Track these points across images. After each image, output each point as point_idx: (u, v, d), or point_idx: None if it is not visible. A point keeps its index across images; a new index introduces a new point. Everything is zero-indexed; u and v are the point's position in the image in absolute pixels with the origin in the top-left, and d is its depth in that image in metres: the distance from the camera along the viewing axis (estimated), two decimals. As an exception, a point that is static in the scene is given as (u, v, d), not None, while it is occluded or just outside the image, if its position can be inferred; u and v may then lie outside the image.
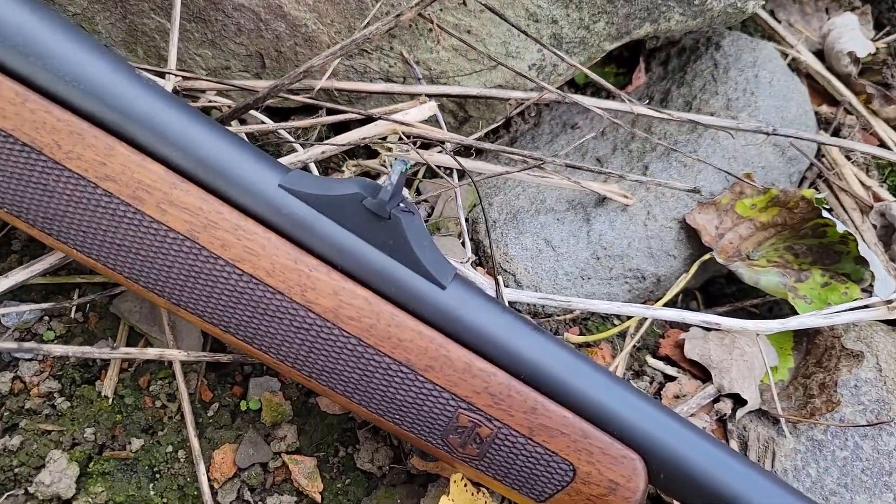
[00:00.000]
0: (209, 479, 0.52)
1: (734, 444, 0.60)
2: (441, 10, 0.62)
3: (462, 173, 0.61)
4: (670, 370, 0.64)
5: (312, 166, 0.60)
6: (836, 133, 0.81)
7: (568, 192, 0.69)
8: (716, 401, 0.62)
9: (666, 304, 0.66)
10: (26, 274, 0.51)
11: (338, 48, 0.53)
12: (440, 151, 0.62)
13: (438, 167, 0.61)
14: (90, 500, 0.48)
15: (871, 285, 0.66)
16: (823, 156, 0.78)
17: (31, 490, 0.48)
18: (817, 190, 0.77)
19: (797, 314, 0.63)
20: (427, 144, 0.63)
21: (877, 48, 0.88)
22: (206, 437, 0.53)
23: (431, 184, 0.67)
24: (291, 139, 0.60)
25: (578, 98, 0.63)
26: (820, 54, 0.89)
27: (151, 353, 0.52)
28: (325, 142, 0.58)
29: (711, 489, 0.44)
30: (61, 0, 0.60)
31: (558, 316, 0.65)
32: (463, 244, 0.61)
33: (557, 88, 0.68)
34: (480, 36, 0.64)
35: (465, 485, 0.49)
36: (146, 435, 0.52)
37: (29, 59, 0.42)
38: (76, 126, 0.42)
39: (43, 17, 0.43)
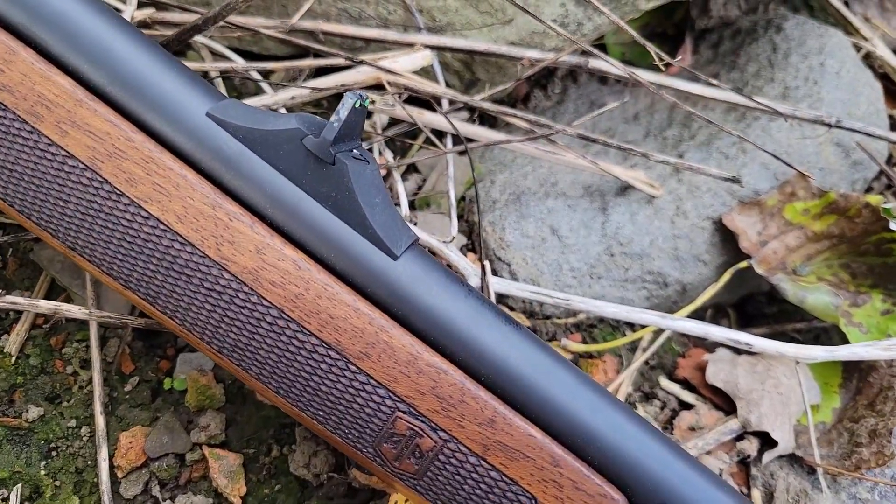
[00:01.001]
0: (112, 466, 0.43)
1: (757, 495, 0.49)
2: (452, -51, 0.53)
3: (456, 139, 0.52)
4: (687, 396, 0.53)
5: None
6: (911, 139, 0.69)
7: (586, 177, 0.59)
8: (739, 438, 0.51)
9: (689, 316, 0.56)
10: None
11: None
12: (442, 112, 0.53)
13: (428, 130, 0.51)
14: (-41, 474, 0.40)
15: (944, 318, 0.54)
16: (896, 164, 0.66)
17: None
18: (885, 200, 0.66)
19: (848, 343, 0.52)
20: (427, 106, 0.54)
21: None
22: (118, 415, 0.45)
23: (427, 151, 0.58)
24: (259, 78, 0.52)
25: (606, 62, 0.53)
26: (900, 52, 0.77)
27: (64, 308, 0.44)
28: (297, 84, 0.49)
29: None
30: None
31: (559, 319, 0.55)
32: (450, 221, 0.51)
33: (581, 53, 0.58)
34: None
35: (410, 508, 0.40)
36: (48, 404, 0.44)
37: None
38: (-35, 19, 0.35)
39: None
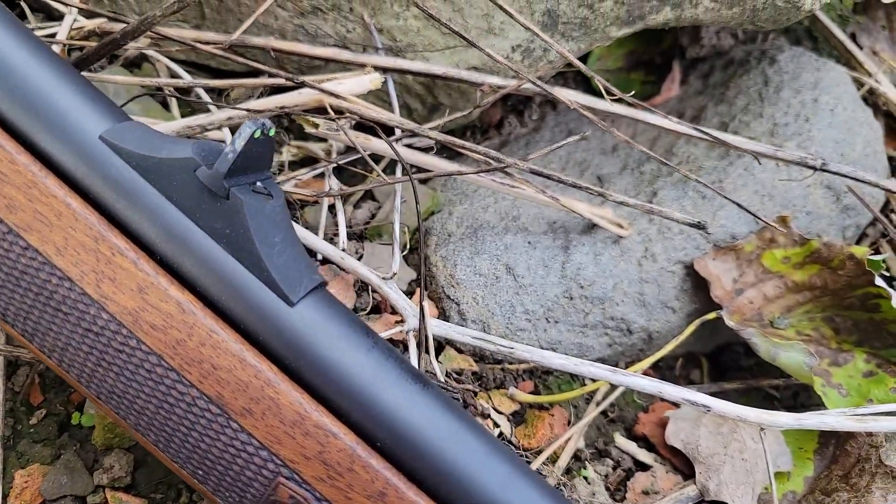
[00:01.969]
0: (5, 507, 0.40)
1: (711, 572, 0.45)
2: (413, -33, 0.50)
3: (407, 169, 0.49)
4: (644, 456, 0.49)
5: (226, 134, 0.49)
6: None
7: (551, 213, 0.55)
8: (696, 507, 0.46)
9: (651, 368, 0.52)
10: None
11: None
12: (399, 139, 0.50)
13: (369, 155, 0.48)
14: None
15: (933, 385, 0.49)
16: (893, 210, 0.62)
17: None
18: (879, 252, 0.61)
19: (824, 407, 0.47)
20: (389, 132, 0.51)
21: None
22: (18, 450, 0.42)
23: (375, 180, 0.55)
24: (206, 97, 0.49)
25: (563, 92, 0.50)
26: (907, 89, 0.72)
27: (-36, 335, 0.41)
28: (231, 105, 0.46)
29: None
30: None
31: (510, 364, 0.51)
32: (393, 255, 0.48)
33: (550, 79, 0.54)
34: (458, 4, 0.51)
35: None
36: (-57, 436, 0.42)
37: None
38: None
39: None
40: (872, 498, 0.44)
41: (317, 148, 0.56)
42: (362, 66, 0.51)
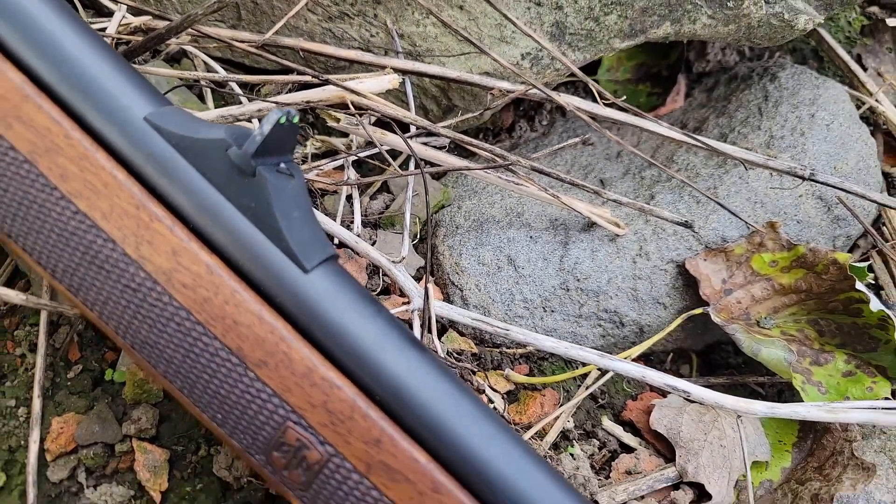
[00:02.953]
0: (42, 449, 0.45)
1: (685, 548, 0.48)
2: (433, -23, 0.54)
3: (418, 162, 0.53)
4: (629, 439, 0.52)
5: (255, 123, 0.54)
6: (906, 199, 0.66)
7: (553, 210, 0.59)
8: (675, 487, 0.49)
9: (644, 362, 0.55)
10: None
11: None
12: (414, 135, 0.54)
13: (386, 150, 0.52)
14: None
15: (909, 386, 0.52)
16: (884, 223, 0.64)
17: None
18: (870, 262, 0.64)
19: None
20: (405, 129, 0.55)
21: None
22: (56, 400, 0.47)
23: (387, 172, 0.59)
24: (238, 91, 0.53)
25: (564, 97, 0.53)
26: (908, 109, 0.75)
27: (8, 295, 0.46)
28: (261, 98, 0.51)
29: None
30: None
31: (508, 348, 0.55)
32: (403, 241, 0.52)
33: (559, 86, 0.58)
34: (474, 14, 0.55)
35: (314, 520, 0.40)
36: (-8, 383, 0.46)
37: None
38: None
39: None
40: (842, 486, 0.47)
41: (338, 142, 0.60)
42: (383, 67, 0.55)
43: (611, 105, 0.51)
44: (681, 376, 0.59)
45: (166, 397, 0.48)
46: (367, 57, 0.56)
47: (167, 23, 0.52)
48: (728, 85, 0.70)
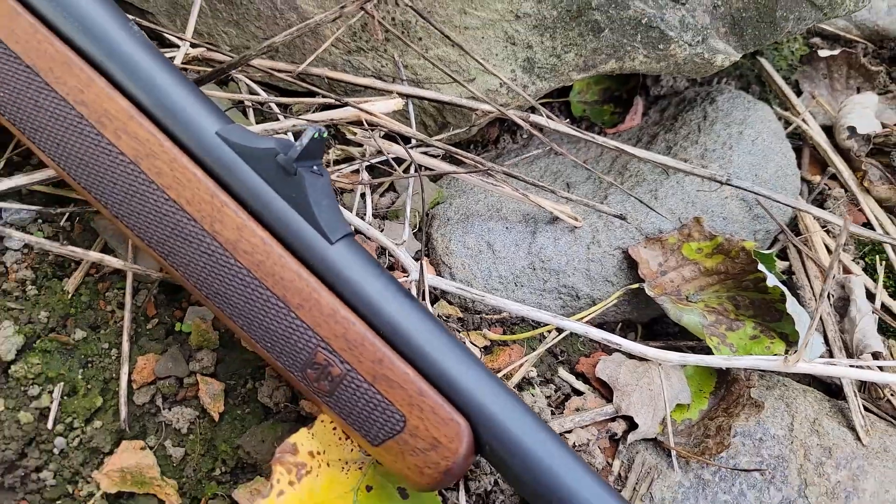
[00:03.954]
0: (129, 380, 0.60)
1: (618, 465, 0.62)
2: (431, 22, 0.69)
3: (417, 167, 0.67)
4: (580, 385, 0.66)
5: (290, 136, 0.69)
6: (821, 203, 0.80)
7: (526, 207, 0.73)
8: (612, 420, 0.63)
9: (596, 326, 0.69)
10: (27, 179, 0.61)
11: (285, 34, 0.62)
12: (415, 146, 0.69)
13: (395, 159, 0.67)
14: (26, 367, 0.57)
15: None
16: (798, 221, 0.78)
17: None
18: (786, 254, 0.77)
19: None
20: (407, 141, 0.70)
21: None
22: (139, 344, 0.62)
23: (392, 174, 0.74)
24: (277, 111, 0.68)
25: (533, 118, 0.68)
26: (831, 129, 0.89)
27: (110, 261, 0.61)
28: (296, 115, 0.66)
29: (535, 476, 0.47)
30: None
31: (487, 315, 0.69)
32: (404, 229, 0.67)
33: (539, 105, 0.73)
34: (463, 51, 0.70)
35: (334, 428, 0.54)
36: (90, 330, 0.61)
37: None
38: (68, 57, 0.52)
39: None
40: (739, 419, 0.61)
41: (354, 150, 0.75)
42: (390, 92, 0.70)
43: (573, 123, 0.65)
44: (602, 330, 0.73)
45: (222, 345, 0.63)
46: (378, 83, 0.71)
47: (228, 58, 0.67)
48: (677, 106, 0.85)
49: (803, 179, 0.84)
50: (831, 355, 0.68)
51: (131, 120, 0.52)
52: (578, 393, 0.66)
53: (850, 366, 0.59)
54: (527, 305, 0.63)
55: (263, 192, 0.51)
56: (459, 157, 0.67)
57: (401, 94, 0.69)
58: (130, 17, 0.68)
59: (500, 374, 0.63)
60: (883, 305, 0.74)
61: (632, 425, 0.63)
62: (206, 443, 0.59)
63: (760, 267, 0.66)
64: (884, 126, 0.88)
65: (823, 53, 0.92)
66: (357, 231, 0.67)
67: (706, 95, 0.83)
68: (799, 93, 0.93)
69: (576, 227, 0.71)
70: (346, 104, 0.66)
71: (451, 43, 0.69)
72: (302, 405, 0.59)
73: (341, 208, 0.66)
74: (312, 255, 0.51)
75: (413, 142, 0.70)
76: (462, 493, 0.56)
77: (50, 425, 0.57)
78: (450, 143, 0.76)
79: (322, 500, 0.51)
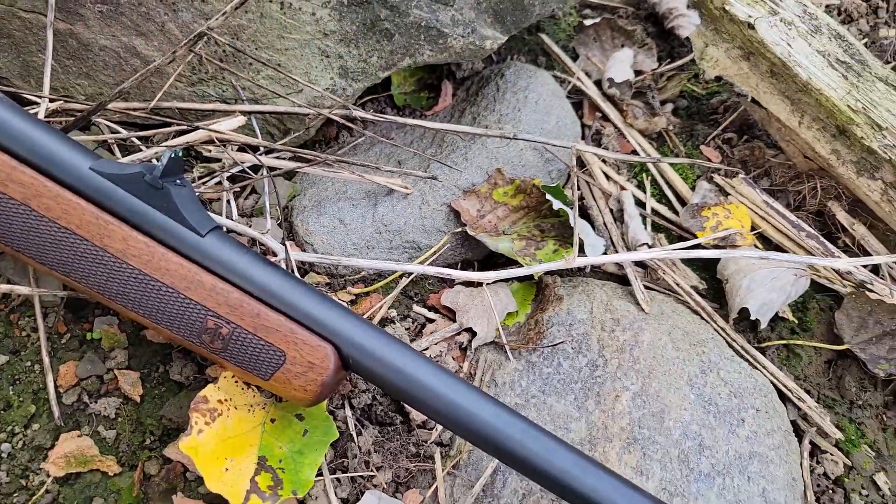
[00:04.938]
0: (56, 386, 0.71)
1: (467, 365, 0.79)
2: (256, 48, 0.84)
3: (270, 169, 0.82)
4: (432, 315, 0.83)
5: (155, 161, 0.81)
6: (598, 142, 1.01)
7: (367, 186, 0.89)
8: (458, 334, 0.81)
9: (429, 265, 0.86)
10: (-72, 238, 0.71)
11: (132, 79, 0.75)
12: (264, 153, 0.83)
13: (252, 167, 0.81)
14: (-37, 392, 0.68)
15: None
16: (581, 158, 0.99)
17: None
18: (578, 185, 0.98)
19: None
20: (263, 151, 0.85)
21: (657, 73, 1.10)
22: (58, 357, 0.73)
23: (257, 178, 0.88)
24: (138, 143, 0.81)
25: (358, 115, 0.84)
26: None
27: (19, 289, 0.72)
28: (158, 144, 0.79)
29: (390, 374, 0.63)
30: (-29, 47, 0.82)
31: (349, 276, 0.85)
32: (266, 220, 0.81)
33: (362, 100, 0.89)
34: (288, 69, 0.85)
35: (236, 381, 0.69)
36: (12, 355, 0.72)
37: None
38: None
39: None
40: (548, 310, 0.80)
41: (215, 165, 0.88)
42: (234, 112, 0.84)
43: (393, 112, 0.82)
44: (435, 266, 0.91)
45: (130, 342, 0.75)
46: (222, 106, 0.85)
47: (86, 106, 0.79)
48: (478, 84, 1.03)
49: (585, 125, 1.05)
50: (617, 252, 0.88)
51: (14, 170, 0.64)
52: (431, 321, 0.83)
53: (614, 255, 0.79)
54: (375, 260, 0.80)
55: (139, 207, 0.65)
56: (304, 156, 0.82)
57: (243, 112, 0.83)
58: (-9, 85, 0.78)
59: (364, 316, 0.79)
60: (653, 210, 0.95)
61: (473, 335, 0.80)
62: (133, 422, 0.72)
63: (548, 196, 0.85)
64: (642, 73, 1.10)
65: (588, 22, 1.14)
66: (230, 230, 0.81)
67: (498, 72, 1.02)
68: (576, 57, 1.14)
69: (408, 194, 0.88)
70: (197, 128, 0.79)
71: (276, 64, 0.84)
72: (207, 373, 0.73)
73: (211, 213, 0.80)
74: (189, 247, 0.64)
75: (261, 149, 0.85)
76: (347, 408, 0.72)
77: (-5, 435, 0.68)
78: (294, 145, 0.91)
79: (235, 433, 0.65)
